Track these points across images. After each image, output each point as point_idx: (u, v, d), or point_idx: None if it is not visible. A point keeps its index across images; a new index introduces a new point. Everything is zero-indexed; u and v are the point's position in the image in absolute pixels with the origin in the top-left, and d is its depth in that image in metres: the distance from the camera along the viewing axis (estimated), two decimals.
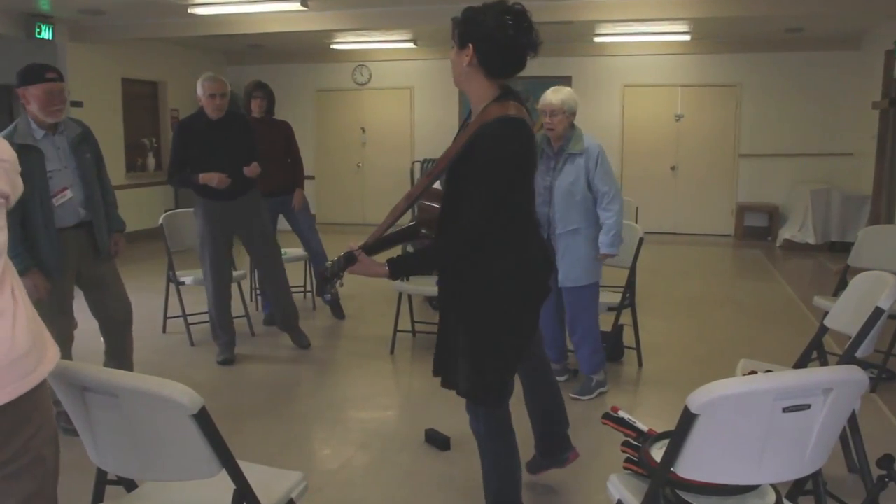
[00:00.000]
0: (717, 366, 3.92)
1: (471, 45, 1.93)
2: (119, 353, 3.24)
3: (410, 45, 9.18)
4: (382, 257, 2.05)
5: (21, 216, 2.84)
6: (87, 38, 7.63)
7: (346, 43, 9.10)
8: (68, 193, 2.99)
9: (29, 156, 2.83)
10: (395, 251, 2.15)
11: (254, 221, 4.12)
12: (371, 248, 2.07)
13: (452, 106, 9.71)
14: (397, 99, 9.99)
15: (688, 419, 1.50)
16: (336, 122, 10.20)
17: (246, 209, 4.06)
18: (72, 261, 3.03)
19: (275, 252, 4.30)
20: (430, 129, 9.74)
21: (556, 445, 2.61)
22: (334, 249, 2.77)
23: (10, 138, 2.80)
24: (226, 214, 4.00)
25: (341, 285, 2.12)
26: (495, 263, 2.01)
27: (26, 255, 2.87)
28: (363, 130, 10.16)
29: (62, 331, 3.02)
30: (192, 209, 4.23)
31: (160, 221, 4.53)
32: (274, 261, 4.27)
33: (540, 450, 2.63)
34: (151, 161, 9.14)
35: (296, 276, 5.22)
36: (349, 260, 2.01)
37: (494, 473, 2.19)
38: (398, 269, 1.98)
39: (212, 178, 3.87)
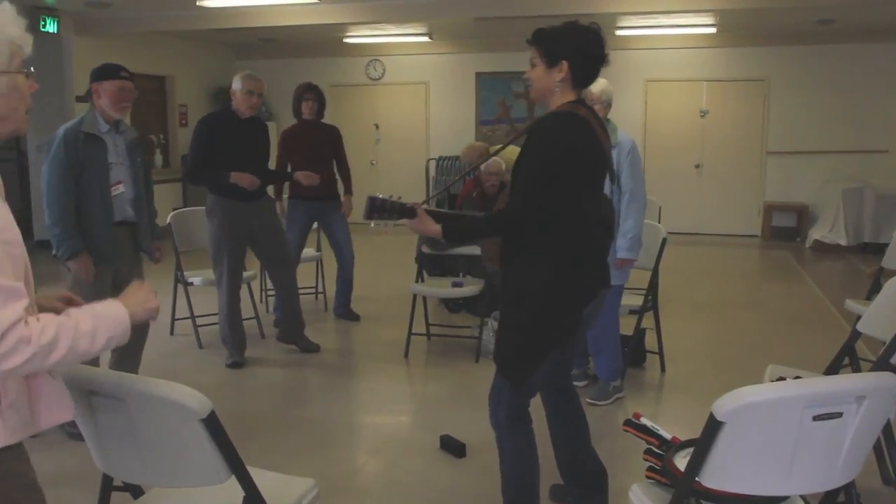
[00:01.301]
0: (744, 371, 3.82)
1: (565, 61, 2.08)
2: (130, 352, 3.23)
3: (426, 38, 9.11)
4: None
5: (77, 201, 3.01)
6: (92, 31, 7.61)
7: (359, 36, 9.05)
8: (121, 187, 3.15)
9: (95, 145, 3.05)
10: None
11: (268, 224, 4.09)
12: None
13: (469, 101, 9.67)
14: (412, 94, 9.94)
15: (713, 427, 1.48)
16: (349, 119, 10.10)
17: (262, 211, 4.04)
18: (115, 255, 3.15)
19: (287, 257, 4.23)
20: (446, 125, 9.70)
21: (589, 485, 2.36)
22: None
23: (77, 128, 3.02)
24: (244, 215, 3.97)
25: (395, 225, 2.23)
26: (528, 253, 2.11)
27: (78, 238, 3.00)
28: (377, 127, 10.13)
29: None
30: (200, 207, 4.18)
31: (168, 220, 4.46)
32: (285, 266, 4.20)
33: (570, 485, 2.41)
34: (159, 158, 9.04)
35: (308, 276, 5.19)
36: (406, 212, 2.16)
37: (512, 466, 2.19)
38: (450, 233, 2.16)
39: (244, 178, 3.82)
